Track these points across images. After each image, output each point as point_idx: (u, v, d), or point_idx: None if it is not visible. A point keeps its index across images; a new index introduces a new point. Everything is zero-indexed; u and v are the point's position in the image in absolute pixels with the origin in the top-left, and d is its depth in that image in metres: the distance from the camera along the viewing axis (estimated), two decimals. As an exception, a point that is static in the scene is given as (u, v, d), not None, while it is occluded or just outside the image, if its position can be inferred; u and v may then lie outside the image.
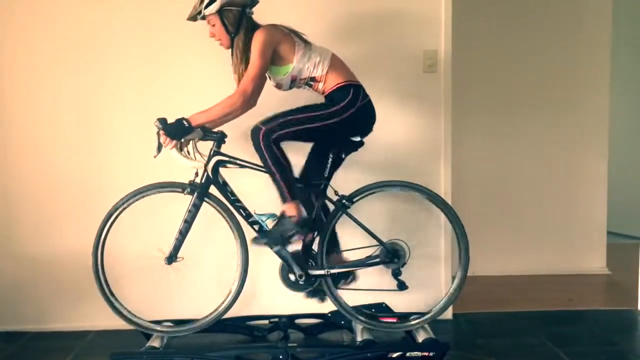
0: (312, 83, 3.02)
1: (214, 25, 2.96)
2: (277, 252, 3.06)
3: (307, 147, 3.11)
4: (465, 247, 3.20)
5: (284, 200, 2.95)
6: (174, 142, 2.88)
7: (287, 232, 2.94)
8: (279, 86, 3.07)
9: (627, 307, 3.90)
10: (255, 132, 2.86)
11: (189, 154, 2.98)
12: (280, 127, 2.86)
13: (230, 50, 3.00)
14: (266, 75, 2.96)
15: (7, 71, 3.52)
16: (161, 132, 2.88)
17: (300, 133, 2.91)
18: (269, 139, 2.84)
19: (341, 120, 2.92)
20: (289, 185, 2.93)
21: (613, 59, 4.65)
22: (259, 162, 2.98)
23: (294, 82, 3.03)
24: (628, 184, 5.68)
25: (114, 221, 3.09)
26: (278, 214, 3.01)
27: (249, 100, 2.85)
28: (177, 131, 2.86)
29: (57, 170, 3.55)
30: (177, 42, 3.50)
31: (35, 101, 3.53)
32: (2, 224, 3.58)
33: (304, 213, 2.99)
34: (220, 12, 2.91)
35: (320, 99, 3.05)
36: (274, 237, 2.98)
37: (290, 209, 2.94)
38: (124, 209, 3.09)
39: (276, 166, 2.89)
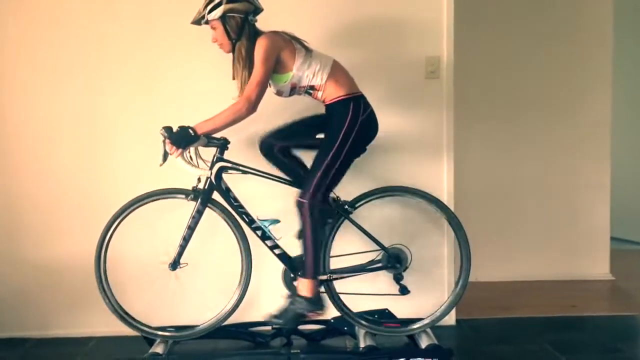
0: (311, 91, 3.03)
1: (216, 30, 2.97)
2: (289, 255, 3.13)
3: (310, 153, 3.10)
4: (467, 253, 3.21)
5: (305, 274, 3.00)
6: (180, 150, 2.89)
7: (299, 310, 2.98)
8: (279, 93, 3.07)
9: (631, 312, 3.90)
10: (299, 205, 2.92)
11: (191, 159, 2.98)
12: (317, 189, 2.91)
13: (230, 54, 3.00)
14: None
15: (9, 79, 3.52)
16: (167, 140, 2.88)
17: (330, 176, 2.94)
18: (313, 208, 2.91)
19: (351, 141, 2.93)
20: (316, 260, 2.99)
21: (614, 64, 4.65)
22: (262, 168, 2.99)
23: (294, 90, 3.04)
24: (631, 189, 5.67)
25: (116, 227, 3.10)
26: (285, 218, 3.04)
27: (254, 106, 2.86)
28: (183, 140, 2.87)
29: (59, 177, 3.55)
30: (179, 48, 3.50)
31: (38, 109, 3.53)
32: (5, 230, 3.58)
33: (317, 292, 3.03)
34: (223, 17, 2.91)
35: (321, 107, 3.05)
36: (288, 318, 3.01)
37: (306, 287, 3.01)
38: (127, 215, 3.10)
39: (313, 237, 2.95)
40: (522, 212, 4.61)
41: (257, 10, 2.99)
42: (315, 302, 3.01)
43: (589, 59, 4.59)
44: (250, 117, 2.90)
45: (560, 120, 4.59)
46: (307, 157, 3.11)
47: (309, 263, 2.97)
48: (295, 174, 3.15)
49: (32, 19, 3.51)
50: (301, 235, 2.98)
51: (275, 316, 3.02)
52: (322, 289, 3.12)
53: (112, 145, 3.55)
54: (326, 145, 2.95)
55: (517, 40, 4.53)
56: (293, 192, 2.99)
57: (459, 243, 3.22)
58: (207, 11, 2.92)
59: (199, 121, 2.89)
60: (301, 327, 3.35)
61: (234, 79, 2.99)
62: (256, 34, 2.97)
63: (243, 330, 3.38)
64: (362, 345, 3.17)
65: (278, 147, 3.13)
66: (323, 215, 3.01)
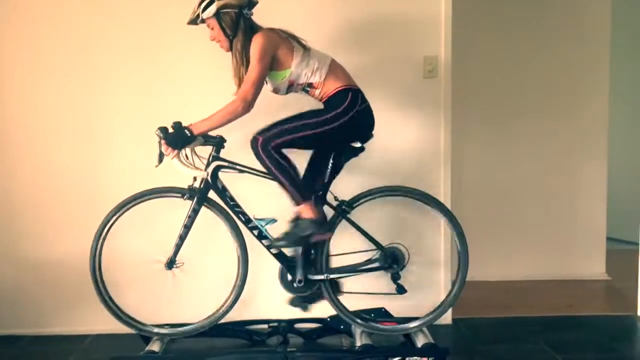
0: (309, 89, 3.02)
1: (213, 29, 2.96)
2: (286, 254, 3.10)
3: (308, 153, 3.11)
4: (465, 254, 3.21)
5: (296, 202, 2.97)
6: (176, 151, 2.89)
7: (304, 232, 2.95)
8: (276, 91, 3.06)
9: (627, 312, 3.90)
10: (253, 142, 2.87)
11: (187, 159, 2.98)
12: (277, 135, 2.86)
13: (229, 53, 2.99)
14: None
15: (8, 77, 3.52)
16: (162, 141, 2.88)
17: (299, 140, 2.90)
18: (268, 147, 2.85)
19: (339, 125, 2.91)
20: (297, 187, 2.94)
21: (612, 65, 4.65)
22: (259, 167, 2.98)
23: (292, 87, 3.02)
24: (628, 189, 5.67)
25: (112, 225, 3.10)
26: (282, 217, 3.03)
27: (250, 105, 2.85)
28: (179, 140, 2.87)
29: (56, 176, 3.56)
30: (176, 47, 3.50)
31: (36, 109, 3.53)
32: (2, 228, 3.58)
33: (320, 212, 3.01)
34: (217, 15, 2.90)
35: (320, 105, 3.04)
36: (291, 239, 2.98)
37: (305, 211, 2.96)
38: (123, 213, 3.10)
39: (280, 171, 2.89)
40: (518, 212, 4.61)
41: (251, 3, 2.97)
42: (320, 223, 2.99)
43: (586, 60, 4.59)
44: (247, 115, 2.91)
45: (557, 121, 4.59)
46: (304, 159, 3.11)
47: (292, 191, 2.92)
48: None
49: (31, 20, 3.51)
50: (269, 173, 2.92)
51: (279, 238, 3.01)
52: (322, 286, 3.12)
53: (110, 144, 3.56)
54: (318, 112, 2.95)
55: (515, 40, 4.53)
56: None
57: (456, 243, 3.22)
58: (201, 9, 2.91)
59: (196, 121, 2.89)
60: (297, 325, 3.37)
61: (233, 76, 2.98)
62: (252, 28, 2.95)
63: (239, 329, 3.38)
64: (358, 343, 3.18)
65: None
66: (288, 160, 2.93)
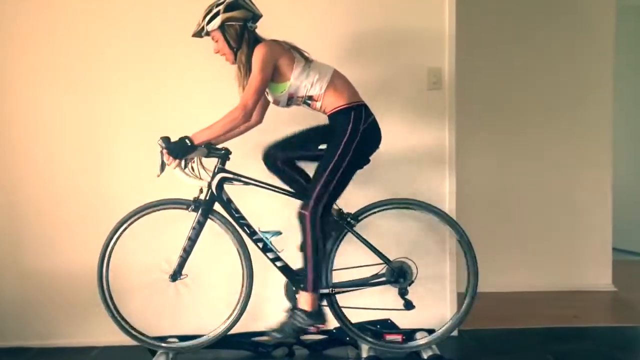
0: (309, 102, 3.01)
1: (217, 41, 2.97)
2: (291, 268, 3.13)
3: (312, 165, 3.10)
4: (475, 270, 3.20)
5: (305, 287, 2.99)
6: (177, 161, 2.89)
7: (299, 324, 2.97)
8: (276, 103, 3.06)
9: (633, 324, 3.89)
10: (301, 218, 2.91)
11: (193, 170, 2.99)
12: (318, 201, 2.90)
13: (233, 65, 3.00)
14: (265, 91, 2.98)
15: (10, 88, 3.54)
16: (164, 151, 2.89)
17: (331, 185, 2.92)
18: (316, 218, 2.90)
19: (353, 150, 2.91)
20: (317, 273, 2.97)
21: (616, 74, 4.64)
22: (264, 180, 2.99)
23: (292, 100, 3.02)
24: (633, 200, 5.65)
25: (119, 237, 3.11)
26: (287, 230, 3.04)
27: (250, 113, 2.86)
28: (180, 150, 2.87)
29: (62, 187, 3.57)
30: (179, 58, 3.51)
31: (40, 119, 3.55)
32: (7, 239, 3.59)
33: (318, 304, 3.02)
34: (222, 27, 2.92)
35: (322, 117, 3.05)
36: (288, 332, 3.00)
37: (306, 301, 2.99)
38: (129, 225, 3.10)
39: (314, 251, 2.93)
40: (524, 223, 4.60)
41: (256, 16, 2.98)
42: (316, 316, 3.00)
43: (590, 69, 4.59)
44: (254, 129, 2.91)
45: (562, 131, 4.59)
46: (311, 169, 3.09)
47: (310, 276, 2.96)
48: (299, 186, 3.12)
49: (34, 30, 3.53)
50: (303, 247, 2.96)
51: (275, 330, 3.01)
52: (325, 302, 3.12)
53: (115, 155, 3.56)
54: (327, 156, 2.94)
55: (519, 53, 4.53)
56: (295, 204, 2.98)
57: (465, 259, 3.21)
58: (206, 22, 2.92)
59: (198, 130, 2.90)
60: (303, 337, 3.35)
61: (239, 87, 2.98)
62: (256, 41, 2.96)
63: (245, 340, 3.37)
64: (364, 355, 3.19)
65: (281, 159, 3.11)
66: (325, 228, 3.00)
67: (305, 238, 2.92)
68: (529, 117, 4.58)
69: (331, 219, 3.09)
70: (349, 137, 2.91)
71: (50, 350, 3.54)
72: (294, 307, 3.03)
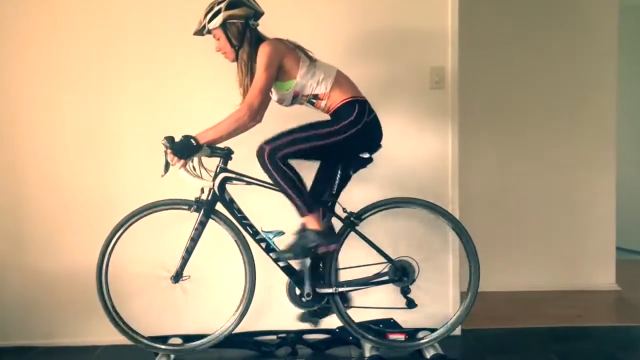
0: (314, 101, 3.01)
1: (219, 39, 2.97)
2: (294, 268, 3.11)
3: (316, 164, 3.11)
4: (476, 269, 3.20)
5: (302, 213, 2.96)
6: (182, 161, 2.89)
7: (310, 243, 2.94)
8: (280, 101, 3.06)
9: (637, 323, 3.88)
10: (260, 152, 2.87)
11: (194, 170, 2.98)
12: (285, 145, 2.86)
13: (235, 63, 3.00)
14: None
15: (14, 88, 3.55)
16: (168, 151, 2.88)
17: (306, 151, 2.90)
18: (274, 157, 2.85)
19: (347, 137, 2.91)
20: (303, 198, 2.93)
21: (620, 74, 4.64)
22: (267, 179, 2.99)
23: (297, 98, 3.02)
24: (637, 199, 5.65)
25: (119, 237, 3.11)
26: (290, 230, 3.04)
27: (256, 114, 2.85)
28: (185, 150, 2.87)
29: (64, 187, 3.58)
30: (183, 57, 3.52)
31: (43, 119, 3.56)
32: (11, 239, 3.60)
33: (326, 223, 3.01)
34: (224, 25, 2.91)
35: (324, 115, 3.05)
36: (297, 251, 2.98)
37: (310, 222, 2.96)
38: (130, 225, 3.11)
39: (285, 181, 2.88)
40: (527, 222, 4.60)
41: (258, 14, 2.98)
42: (326, 235, 2.98)
43: (592, 69, 4.58)
44: (256, 127, 2.92)
45: (564, 130, 4.58)
46: (311, 170, 3.12)
47: (297, 202, 2.92)
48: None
49: (35, 30, 3.54)
50: (275, 184, 2.92)
51: (285, 251, 3.01)
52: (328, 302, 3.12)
53: (117, 154, 3.57)
54: (326, 123, 2.96)
55: (522, 52, 4.53)
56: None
57: (467, 258, 3.22)
58: (207, 20, 2.92)
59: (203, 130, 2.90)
60: (306, 336, 3.37)
61: (239, 86, 2.98)
62: (259, 39, 2.96)
63: (248, 340, 3.37)
64: (367, 354, 3.19)
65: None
66: (293, 170, 2.94)
67: (272, 176, 2.88)
68: (530, 117, 4.57)
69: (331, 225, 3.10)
70: (352, 120, 2.92)
71: (54, 349, 3.55)
72: (303, 229, 2.99)
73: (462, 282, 3.50)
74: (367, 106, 2.99)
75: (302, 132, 2.91)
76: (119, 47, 3.54)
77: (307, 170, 3.06)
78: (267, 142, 2.88)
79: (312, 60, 2.98)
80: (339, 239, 3.10)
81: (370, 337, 3.22)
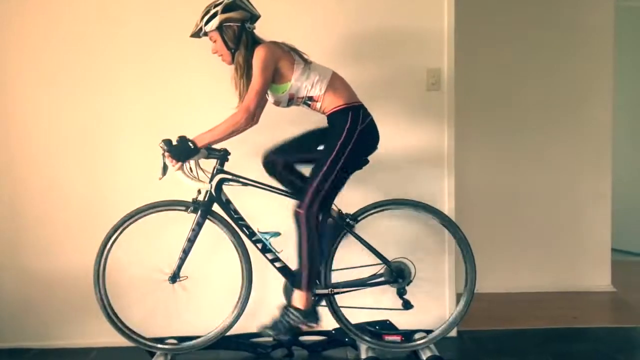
0: (309, 102, 3.01)
1: (215, 42, 2.97)
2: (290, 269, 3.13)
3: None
4: (472, 270, 3.21)
5: (299, 285, 2.98)
6: (180, 163, 2.89)
7: (293, 322, 2.96)
8: (277, 103, 3.07)
9: (633, 324, 3.88)
10: (297, 217, 2.91)
11: (191, 171, 2.98)
12: (314, 199, 2.89)
13: (232, 66, 3.00)
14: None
15: (11, 90, 3.54)
16: (166, 153, 2.89)
17: (329, 184, 2.92)
18: (310, 218, 2.89)
19: (350, 149, 2.91)
20: (312, 273, 2.96)
21: (616, 75, 4.65)
22: (263, 180, 2.99)
23: (292, 100, 3.03)
24: (632, 201, 5.65)
25: (116, 238, 3.11)
26: (286, 230, 3.03)
27: (253, 116, 2.86)
28: (183, 153, 2.88)
29: (61, 188, 3.57)
30: (179, 60, 3.51)
31: (40, 121, 3.55)
32: (7, 241, 3.59)
33: (311, 303, 3.02)
34: (220, 28, 2.91)
35: (321, 118, 3.05)
36: (280, 329, 2.99)
37: (300, 299, 2.99)
38: (127, 226, 3.11)
39: (309, 250, 2.92)
40: (523, 224, 4.60)
41: (254, 17, 2.98)
42: (309, 315, 2.99)
43: (590, 69, 4.58)
44: (252, 128, 2.92)
45: (561, 131, 4.58)
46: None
47: (305, 275, 2.95)
48: (298, 189, 3.10)
49: (34, 30, 3.52)
50: (298, 246, 2.95)
51: (268, 327, 3.00)
52: (323, 302, 3.13)
53: (114, 156, 3.56)
54: (324, 155, 2.94)
55: (518, 53, 4.53)
56: (294, 204, 2.98)
57: (463, 259, 3.22)
58: (203, 23, 2.92)
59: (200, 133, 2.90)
60: (302, 337, 3.36)
61: (235, 89, 2.99)
62: (255, 42, 2.96)
63: (244, 341, 3.38)
64: (363, 356, 3.20)
65: (282, 164, 3.12)
66: (323, 228, 2.99)
67: (300, 237, 2.91)
68: (527, 118, 4.57)
69: (330, 221, 3.09)
70: (346, 136, 2.92)
71: (49, 351, 3.54)
72: (288, 305, 3.02)
73: (458, 284, 3.50)
74: (362, 111, 2.99)
75: (316, 177, 2.91)
76: (116, 49, 3.53)
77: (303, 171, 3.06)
78: (299, 206, 2.91)
79: (306, 62, 2.99)
80: (318, 319, 3.07)
81: (366, 338, 3.22)
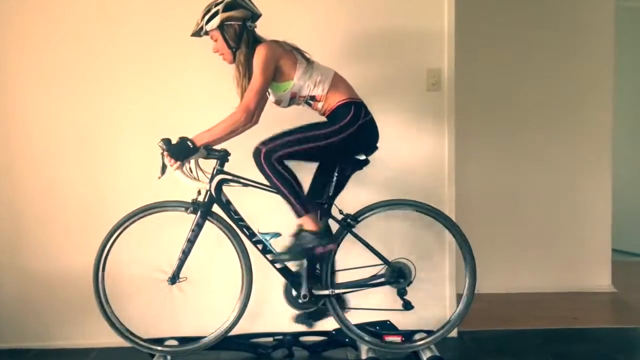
0: (311, 102, 3.01)
1: (216, 41, 2.96)
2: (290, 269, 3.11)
3: (313, 166, 3.11)
4: (473, 270, 3.20)
5: (298, 214, 2.95)
6: (179, 163, 2.89)
7: (307, 244, 2.94)
8: (278, 102, 3.06)
9: (633, 325, 3.88)
10: (256, 153, 2.87)
11: (191, 172, 2.98)
12: (281, 147, 2.86)
13: (233, 65, 2.99)
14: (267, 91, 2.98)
15: (11, 90, 3.54)
16: (165, 153, 2.88)
17: (302, 152, 2.90)
18: (270, 158, 2.84)
19: (344, 138, 2.91)
20: (299, 199, 2.92)
21: (616, 75, 4.65)
22: (263, 181, 2.98)
23: (294, 99, 3.02)
24: (633, 201, 5.65)
25: (116, 239, 3.11)
26: (286, 231, 3.03)
27: (252, 115, 2.86)
28: (182, 152, 2.87)
29: (61, 189, 3.57)
30: (179, 59, 3.51)
31: (40, 121, 3.55)
32: (7, 241, 3.59)
33: (322, 224, 3.00)
34: (221, 27, 2.91)
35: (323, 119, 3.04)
36: (294, 252, 2.98)
37: (307, 223, 2.95)
38: (127, 227, 3.10)
39: (281, 182, 2.88)
40: (523, 224, 4.60)
41: (255, 16, 2.98)
42: (323, 235, 2.97)
43: (590, 69, 4.58)
44: (252, 129, 2.92)
45: (561, 132, 4.58)
46: (309, 170, 3.11)
47: (294, 203, 2.91)
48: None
49: (34, 30, 3.53)
50: (272, 185, 2.92)
51: (282, 253, 3.00)
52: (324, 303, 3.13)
53: (114, 156, 3.56)
54: (321, 124, 2.95)
55: (518, 54, 4.53)
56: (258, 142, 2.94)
57: (464, 260, 3.22)
58: (204, 22, 2.91)
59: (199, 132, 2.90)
60: (303, 338, 3.36)
61: (237, 87, 2.97)
62: (256, 40, 2.96)
63: (244, 342, 3.37)
64: (363, 356, 3.19)
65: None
66: (283, 165, 2.92)
67: (268, 177, 2.88)
68: (527, 119, 4.57)
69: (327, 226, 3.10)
70: (347, 122, 2.91)
71: (49, 351, 3.54)
72: (300, 230, 2.99)
73: (458, 284, 3.50)
74: (363, 108, 2.99)
75: (298, 133, 2.90)
76: (116, 49, 3.53)
77: (305, 172, 3.06)
78: (263, 143, 2.87)
79: (309, 62, 2.98)
80: (336, 239, 3.09)
81: (366, 339, 3.22)
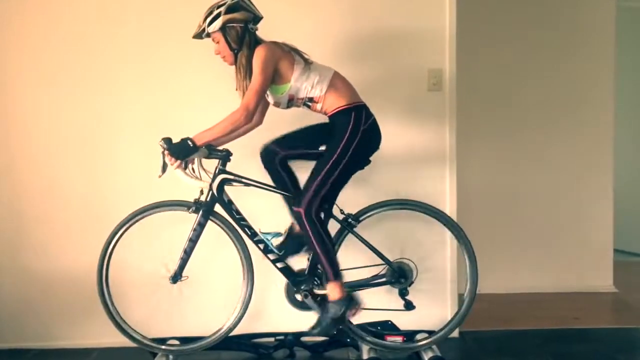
0: (310, 103, 3.00)
1: (218, 43, 2.96)
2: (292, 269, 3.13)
3: (308, 164, 3.07)
4: (474, 271, 3.20)
5: (327, 279, 2.96)
6: (179, 162, 2.89)
7: (336, 315, 2.93)
8: (277, 104, 3.06)
9: (634, 325, 3.88)
10: (297, 216, 2.91)
11: (193, 172, 2.98)
12: (313, 198, 2.88)
13: (234, 66, 2.99)
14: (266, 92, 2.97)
15: (11, 90, 3.53)
16: (166, 152, 2.88)
17: (330, 186, 2.91)
18: (311, 215, 2.87)
19: (352, 152, 2.90)
20: (331, 261, 2.94)
21: (617, 75, 4.65)
22: (265, 181, 2.98)
23: (292, 102, 3.02)
24: (634, 201, 5.65)
25: (119, 239, 3.11)
26: (283, 230, 3.06)
27: (252, 115, 2.86)
28: (182, 151, 2.87)
29: (62, 188, 3.56)
30: (179, 60, 3.50)
31: (41, 121, 3.54)
32: (8, 241, 3.58)
33: (345, 290, 2.98)
34: (223, 29, 2.91)
35: (323, 118, 3.04)
36: (326, 327, 2.97)
37: (334, 292, 2.95)
38: (130, 226, 3.11)
39: (319, 242, 2.90)
40: (523, 224, 4.60)
41: (257, 18, 2.98)
42: (349, 301, 2.97)
43: (590, 69, 4.58)
44: (254, 131, 2.92)
45: (563, 132, 4.58)
46: (308, 169, 3.08)
47: (327, 267, 2.92)
48: (284, 187, 3.12)
49: (34, 30, 3.52)
50: (308, 244, 2.95)
51: (314, 327, 2.98)
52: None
53: (114, 156, 3.56)
54: (326, 155, 2.93)
55: (520, 54, 4.53)
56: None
57: (465, 260, 3.21)
58: (207, 24, 2.91)
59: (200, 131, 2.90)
60: (304, 338, 3.35)
61: (237, 89, 2.97)
62: (257, 42, 2.95)
63: (246, 342, 3.37)
64: (364, 357, 3.19)
65: (280, 156, 3.10)
66: (325, 225, 2.96)
67: (307, 235, 2.90)
68: (528, 119, 4.57)
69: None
70: (349, 137, 2.91)
71: (50, 351, 3.53)
72: (324, 303, 2.99)
73: (460, 284, 3.49)
74: (364, 112, 2.98)
75: (318, 175, 2.90)
76: (116, 49, 3.53)
77: (303, 172, 3.05)
78: (297, 205, 2.90)
79: (307, 63, 2.97)
80: (359, 301, 3.05)
81: (368, 339, 3.22)
